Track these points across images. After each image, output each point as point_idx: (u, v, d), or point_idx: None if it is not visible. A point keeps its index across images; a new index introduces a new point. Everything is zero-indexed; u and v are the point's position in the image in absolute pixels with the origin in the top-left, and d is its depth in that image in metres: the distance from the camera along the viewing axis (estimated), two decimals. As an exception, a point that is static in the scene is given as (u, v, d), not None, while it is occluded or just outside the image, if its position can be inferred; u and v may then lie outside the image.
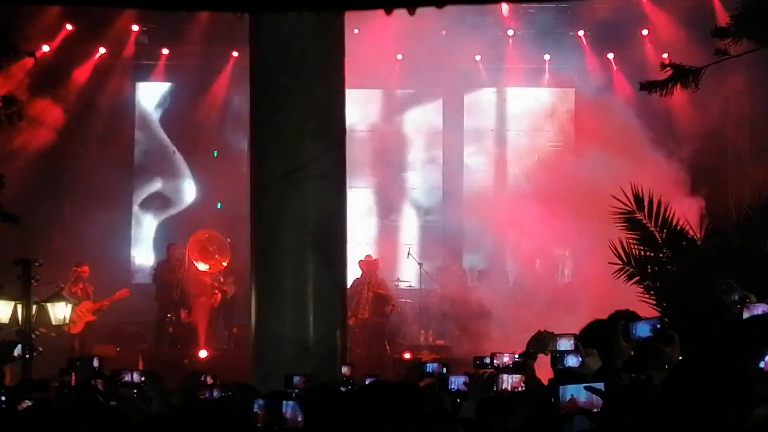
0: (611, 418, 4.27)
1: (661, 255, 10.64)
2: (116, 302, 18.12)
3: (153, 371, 6.96)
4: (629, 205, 10.70)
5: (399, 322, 18.64)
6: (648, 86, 9.85)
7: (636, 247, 10.75)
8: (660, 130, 18.16)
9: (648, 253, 10.72)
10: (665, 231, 10.55)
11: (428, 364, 7.24)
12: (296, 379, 7.62)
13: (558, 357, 6.32)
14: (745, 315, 6.58)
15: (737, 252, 10.06)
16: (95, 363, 7.57)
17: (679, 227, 10.59)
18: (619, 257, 10.80)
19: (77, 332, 17.15)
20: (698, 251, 10.33)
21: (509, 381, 6.20)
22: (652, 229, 10.59)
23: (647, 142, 17.51)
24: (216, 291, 18.54)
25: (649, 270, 10.66)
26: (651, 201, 10.66)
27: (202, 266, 18.65)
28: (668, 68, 9.47)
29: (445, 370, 6.93)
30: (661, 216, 10.60)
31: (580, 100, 19.89)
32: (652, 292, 10.64)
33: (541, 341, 6.75)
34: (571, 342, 6.48)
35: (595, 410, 4.33)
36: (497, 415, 6.10)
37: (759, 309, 6.61)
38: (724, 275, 9.22)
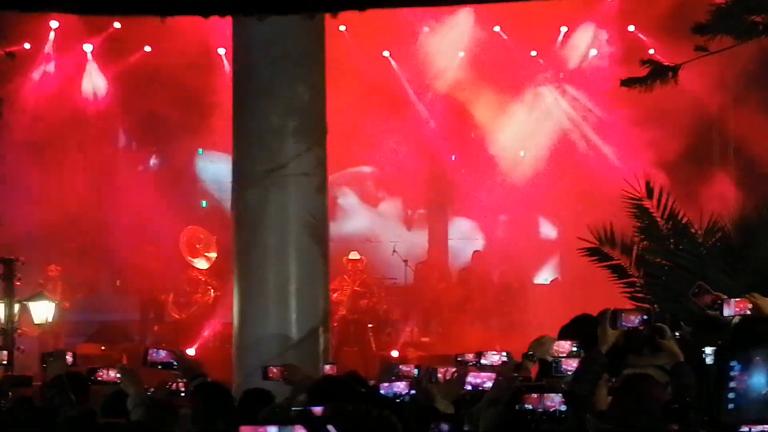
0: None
1: (664, 247, 10.52)
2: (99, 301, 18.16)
3: (128, 367, 6.94)
4: (639, 191, 10.64)
5: (383, 318, 18.66)
6: (628, 82, 9.88)
7: (637, 237, 10.67)
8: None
9: (644, 243, 10.64)
10: (670, 223, 10.49)
11: (401, 366, 7.22)
12: (273, 369, 7.63)
13: (556, 363, 6.37)
14: (726, 311, 6.61)
15: (739, 252, 10.03)
16: (69, 358, 7.39)
17: (684, 221, 10.53)
18: (598, 238, 10.65)
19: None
20: (697, 249, 10.26)
21: (481, 379, 6.21)
22: (659, 220, 10.53)
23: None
24: (209, 287, 18.55)
25: (634, 259, 10.56)
26: (661, 192, 10.59)
27: (201, 263, 18.67)
28: (648, 65, 9.50)
29: (417, 372, 6.93)
30: (668, 206, 10.53)
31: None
32: (635, 289, 10.58)
33: (542, 345, 6.75)
34: (571, 348, 6.52)
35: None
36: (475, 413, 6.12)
37: (738, 306, 6.65)
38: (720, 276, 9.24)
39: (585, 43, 19.65)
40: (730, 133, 19.13)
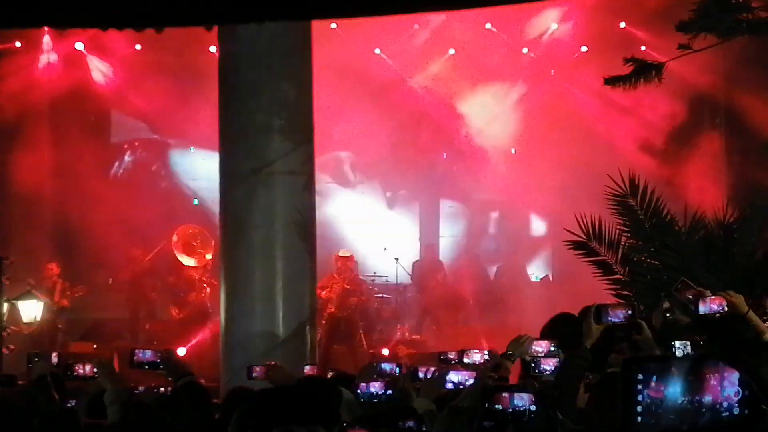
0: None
1: (649, 245, 10.51)
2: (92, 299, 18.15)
3: (104, 361, 6.91)
4: (624, 188, 10.62)
5: (374, 316, 18.65)
6: (612, 81, 9.85)
7: (621, 233, 10.64)
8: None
9: (631, 241, 10.62)
10: (653, 220, 10.48)
11: (383, 364, 7.19)
12: (257, 369, 7.62)
13: (535, 363, 6.38)
14: (701, 309, 6.64)
15: (723, 249, 10.01)
16: (54, 358, 7.44)
17: (668, 218, 10.51)
18: (585, 233, 10.61)
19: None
20: (681, 247, 10.24)
21: (459, 378, 6.21)
22: (642, 216, 10.52)
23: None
24: (205, 285, 18.55)
25: (620, 257, 10.54)
26: (645, 188, 10.57)
27: (189, 261, 18.67)
28: (631, 62, 9.47)
29: (398, 370, 6.91)
30: (652, 204, 10.51)
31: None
32: (620, 286, 10.58)
33: (521, 345, 6.76)
34: (549, 348, 6.52)
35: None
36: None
37: (714, 303, 6.67)
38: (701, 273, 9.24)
39: (573, 37, 19.65)
40: (720, 114, 19.16)
